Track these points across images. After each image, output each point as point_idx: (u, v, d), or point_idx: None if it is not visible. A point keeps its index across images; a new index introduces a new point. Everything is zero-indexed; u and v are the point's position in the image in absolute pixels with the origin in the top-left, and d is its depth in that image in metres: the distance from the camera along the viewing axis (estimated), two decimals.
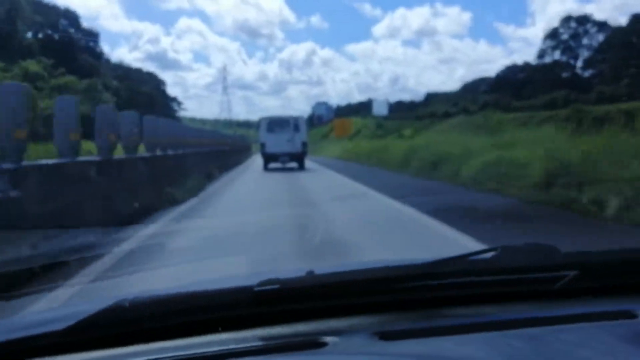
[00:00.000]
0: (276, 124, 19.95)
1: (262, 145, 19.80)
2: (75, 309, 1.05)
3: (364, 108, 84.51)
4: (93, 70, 42.01)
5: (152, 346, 0.95)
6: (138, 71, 70.10)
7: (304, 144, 19.77)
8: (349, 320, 1.04)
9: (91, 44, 49.46)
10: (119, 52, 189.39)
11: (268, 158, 19.61)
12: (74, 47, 43.23)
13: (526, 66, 52.22)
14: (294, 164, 19.58)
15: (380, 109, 68.52)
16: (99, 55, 50.25)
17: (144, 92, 55.50)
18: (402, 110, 63.78)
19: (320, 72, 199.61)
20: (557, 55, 50.29)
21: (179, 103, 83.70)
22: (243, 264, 3.96)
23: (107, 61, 58.84)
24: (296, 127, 19.76)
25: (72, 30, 46.96)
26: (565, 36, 51.09)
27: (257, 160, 25.57)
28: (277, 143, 19.20)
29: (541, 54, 50.38)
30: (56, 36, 43.04)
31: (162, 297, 1.02)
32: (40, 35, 43.84)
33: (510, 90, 47.96)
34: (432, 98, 66.55)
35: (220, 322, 1.00)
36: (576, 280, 1.10)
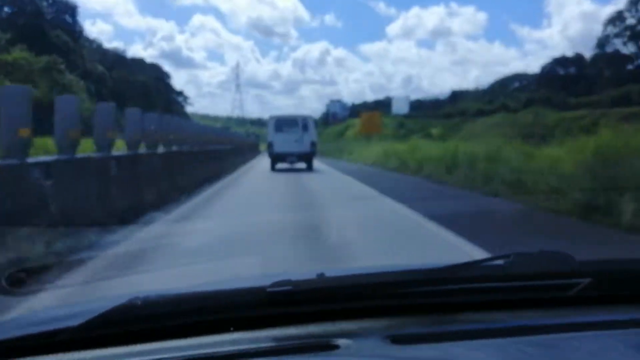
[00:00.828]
0: (284, 123, 19.39)
1: (270, 145, 19.15)
2: (90, 305, 1.05)
3: (380, 106, 79.53)
4: (68, 51, 35.80)
5: (164, 344, 0.96)
6: (139, 61, 63.78)
7: (313, 144, 19.09)
8: (361, 323, 1.04)
9: (67, 18, 42.74)
10: (133, 48, 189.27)
11: (275, 158, 18.89)
12: (43, 21, 36.88)
13: (578, 58, 44.73)
14: (302, 165, 18.90)
15: (400, 107, 61.74)
16: (77, 34, 43.76)
17: (137, 82, 49.44)
18: (423, 109, 56.91)
19: (333, 72, 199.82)
20: (618, 44, 41.59)
21: (186, 98, 77.79)
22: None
23: (92, 43, 52.59)
24: (305, 127, 19.15)
25: (44, 3, 40.46)
26: (632, 20, 42.28)
27: (262, 161, 24.39)
28: (285, 143, 18.58)
29: (601, 43, 41.88)
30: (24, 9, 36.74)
31: (174, 295, 1.04)
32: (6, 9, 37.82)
33: (559, 85, 40.91)
34: (459, 96, 59.51)
35: (232, 322, 1.01)
36: (589, 288, 1.09)
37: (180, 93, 75.69)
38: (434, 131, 33.29)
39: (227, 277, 1.52)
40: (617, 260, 1.23)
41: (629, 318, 1.05)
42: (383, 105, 79.23)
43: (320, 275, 1.08)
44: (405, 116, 54.90)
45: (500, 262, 1.11)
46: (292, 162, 18.81)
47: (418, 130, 37.06)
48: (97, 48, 52.81)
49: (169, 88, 64.00)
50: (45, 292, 3.39)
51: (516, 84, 53.74)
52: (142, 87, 51.29)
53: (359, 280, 1.09)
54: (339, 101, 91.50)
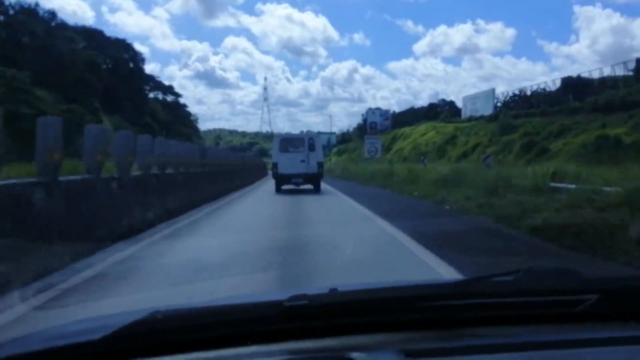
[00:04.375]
0: (290, 142, 18.32)
1: (274, 166, 18.20)
2: (111, 320, 1.06)
3: (431, 113, 63.37)
4: None
5: (184, 357, 0.97)
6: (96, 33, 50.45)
7: (320, 165, 18.05)
8: (375, 337, 1.05)
9: None
10: (169, 69, 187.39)
11: (280, 179, 17.98)
12: None
13: None
14: (308, 186, 18.04)
15: (484, 105, 45.50)
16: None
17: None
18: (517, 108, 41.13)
19: (361, 89, 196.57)
20: None
21: (178, 95, 65.09)
22: None
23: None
24: (311, 146, 17.96)
25: None
26: None
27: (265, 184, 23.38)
28: (291, 163, 17.62)
29: None
30: None
31: (194, 309, 1.06)
32: None
33: None
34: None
35: (250, 335, 1.02)
36: (598, 304, 1.09)
37: (169, 87, 63.78)
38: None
39: (244, 292, 1.61)
40: (624, 277, 1.36)
41: (635, 335, 1.06)
42: (432, 113, 64.48)
43: (334, 290, 1.09)
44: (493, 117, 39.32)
45: (510, 277, 1.12)
46: (297, 184, 17.87)
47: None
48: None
49: (136, 74, 50.87)
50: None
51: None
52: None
53: (373, 295, 1.11)
54: (378, 109, 78.16)
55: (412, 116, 68.67)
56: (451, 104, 69.69)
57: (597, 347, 1.02)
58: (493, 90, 46.02)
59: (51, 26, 37.12)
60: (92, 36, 47.99)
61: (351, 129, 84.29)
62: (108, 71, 45.83)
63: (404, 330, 1.07)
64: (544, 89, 39.77)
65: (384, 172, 24.83)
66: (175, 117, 61.13)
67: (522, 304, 1.14)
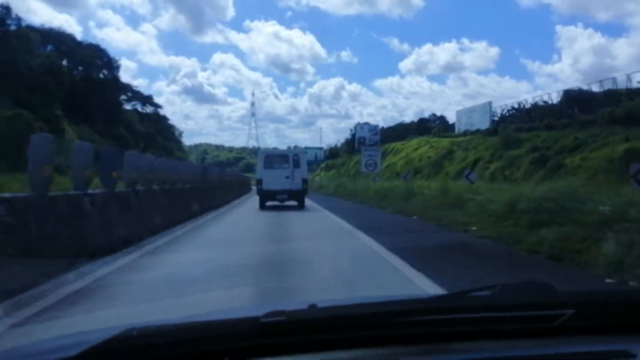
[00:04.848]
0: (274, 159, 18.07)
1: (259, 182, 17.88)
2: (87, 336, 1.05)
3: (422, 128, 61.62)
4: None
5: None
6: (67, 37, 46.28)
7: (305, 181, 17.83)
8: (352, 352, 1.04)
9: None
10: (157, 85, 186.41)
11: (264, 196, 17.72)
12: None
13: None
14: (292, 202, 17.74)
15: (480, 119, 43.09)
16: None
17: None
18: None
19: (348, 106, 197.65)
20: None
21: (158, 106, 61.56)
22: None
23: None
24: (296, 163, 17.75)
25: None
26: None
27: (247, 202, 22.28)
28: (275, 180, 17.38)
29: None
30: None
31: (170, 326, 1.04)
32: None
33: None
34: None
35: (226, 352, 1.01)
36: (573, 318, 1.11)
37: (147, 97, 59.49)
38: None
39: (222, 308, 1.43)
40: (599, 292, 1.31)
41: (613, 349, 1.06)
42: (422, 128, 62.62)
43: (312, 306, 1.09)
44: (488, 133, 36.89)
45: (486, 292, 1.14)
46: (282, 201, 17.66)
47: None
48: None
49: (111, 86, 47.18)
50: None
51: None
52: None
53: (351, 311, 1.10)
54: (367, 124, 76.00)
55: (400, 131, 66.52)
56: (442, 118, 67.41)
57: None
58: (490, 103, 43.55)
59: (6, 24, 32.39)
60: (61, 40, 43.89)
61: (339, 144, 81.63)
62: (78, 77, 42.04)
63: (381, 346, 1.06)
64: (545, 102, 37.28)
65: (398, 190, 18.97)
66: (155, 130, 57.32)
67: (499, 319, 1.14)
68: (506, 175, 25.32)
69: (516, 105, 39.92)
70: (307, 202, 19.35)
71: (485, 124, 40.78)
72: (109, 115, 43.56)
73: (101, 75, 47.08)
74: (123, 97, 54.33)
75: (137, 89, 59.85)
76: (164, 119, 65.81)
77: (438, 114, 78.72)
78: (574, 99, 33.71)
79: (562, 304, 1.12)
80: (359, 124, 76.31)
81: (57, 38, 43.68)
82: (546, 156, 23.58)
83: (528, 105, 37.87)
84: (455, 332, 1.11)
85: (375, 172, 27.52)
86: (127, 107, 55.89)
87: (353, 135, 75.31)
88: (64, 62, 39.72)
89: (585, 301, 1.18)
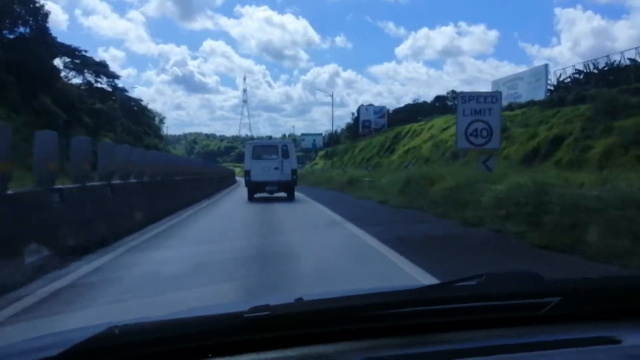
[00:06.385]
0: (263, 149, 17.85)
1: (247, 173, 17.37)
2: (68, 335, 1.04)
3: (439, 107, 54.06)
4: None
5: None
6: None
7: (294, 172, 17.46)
8: (338, 346, 1.04)
9: None
10: (146, 74, 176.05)
11: (253, 187, 17.22)
12: None
13: None
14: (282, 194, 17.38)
15: (530, 88, 33.40)
16: None
17: None
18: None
19: (343, 94, 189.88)
20: None
21: (115, 76, 50.07)
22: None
23: None
24: (285, 153, 17.28)
25: None
26: None
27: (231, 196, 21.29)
28: (264, 171, 16.95)
29: None
30: None
31: (152, 323, 1.02)
32: None
33: None
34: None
35: (210, 348, 1.00)
36: (560, 306, 1.11)
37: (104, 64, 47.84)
38: None
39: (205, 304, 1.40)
40: (585, 279, 1.24)
41: (599, 335, 1.06)
42: (432, 108, 55.47)
43: (299, 300, 1.08)
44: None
45: (472, 282, 1.11)
46: (271, 192, 17.18)
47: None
48: None
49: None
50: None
51: None
52: None
53: (336, 304, 1.09)
54: (371, 105, 66.95)
55: (409, 113, 57.28)
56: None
57: (562, 349, 1.02)
58: (546, 66, 34.10)
59: None
60: None
61: (339, 130, 71.88)
62: None
63: (367, 338, 1.06)
64: (619, 62, 27.59)
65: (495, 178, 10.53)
66: (113, 109, 44.50)
67: (486, 308, 1.14)
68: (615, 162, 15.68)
69: (582, 69, 30.21)
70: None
71: (537, 94, 31.16)
72: (33, 84, 29.35)
73: (22, 30, 32.28)
74: (59, 60, 39.56)
75: (84, 53, 43.89)
76: (133, 99, 54.66)
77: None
78: None
79: (549, 292, 1.13)
80: (362, 105, 67.43)
81: None
82: None
83: (602, 65, 28.15)
84: (442, 322, 1.10)
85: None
86: (72, 76, 42.74)
87: (356, 119, 66.17)
88: None
89: (572, 288, 1.18)
